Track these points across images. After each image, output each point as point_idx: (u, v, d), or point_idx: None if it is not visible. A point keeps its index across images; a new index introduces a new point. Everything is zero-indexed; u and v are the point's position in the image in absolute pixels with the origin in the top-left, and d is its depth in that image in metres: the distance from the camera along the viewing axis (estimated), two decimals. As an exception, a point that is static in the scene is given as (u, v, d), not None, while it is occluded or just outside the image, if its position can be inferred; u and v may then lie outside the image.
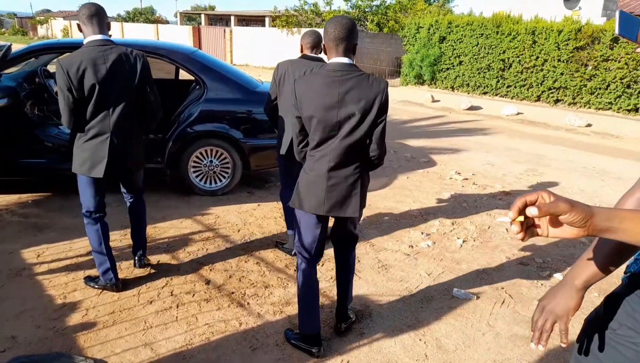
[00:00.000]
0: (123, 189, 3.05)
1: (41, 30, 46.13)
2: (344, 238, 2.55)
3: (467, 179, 5.66)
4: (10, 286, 2.94)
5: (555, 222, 0.88)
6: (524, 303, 3.04)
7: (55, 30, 42.44)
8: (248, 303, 2.88)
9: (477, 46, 13.37)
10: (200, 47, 23.94)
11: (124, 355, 2.37)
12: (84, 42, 2.59)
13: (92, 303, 2.79)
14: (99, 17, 2.58)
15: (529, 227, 0.90)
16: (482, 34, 13.21)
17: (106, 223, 2.85)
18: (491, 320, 2.83)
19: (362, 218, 4.24)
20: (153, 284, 3.04)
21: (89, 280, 2.96)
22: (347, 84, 2.06)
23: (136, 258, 3.19)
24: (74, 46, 4.88)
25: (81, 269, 3.17)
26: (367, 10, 21.24)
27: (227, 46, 23.57)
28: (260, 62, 22.43)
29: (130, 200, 3.07)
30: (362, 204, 2.29)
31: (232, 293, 2.98)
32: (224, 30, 23.96)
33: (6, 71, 4.73)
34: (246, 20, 32.58)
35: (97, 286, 2.91)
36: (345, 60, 2.09)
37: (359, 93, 2.06)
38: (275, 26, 22.31)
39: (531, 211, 0.83)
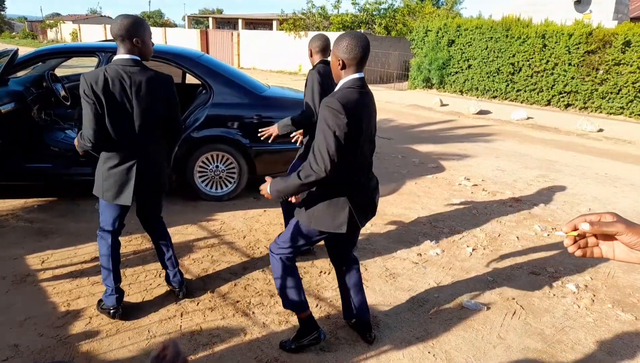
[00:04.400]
0: (140, 214, 2.87)
1: (51, 34, 46.62)
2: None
3: (476, 185, 5.58)
4: (15, 293, 2.91)
5: (620, 245, 0.88)
6: (536, 314, 2.96)
7: (64, 34, 42.85)
8: (253, 313, 2.82)
9: (486, 49, 13.27)
10: (207, 51, 24.04)
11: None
12: (113, 59, 2.44)
13: (96, 311, 2.75)
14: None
15: (589, 246, 0.91)
16: (492, 38, 13.11)
17: (119, 241, 2.72)
18: (502, 332, 2.76)
19: (370, 225, 4.19)
20: (156, 292, 3.00)
21: (99, 301, 2.82)
22: (372, 100, 2.24)
23: (177, 288, 2.94)
24: (80, 51, 4.89)
25: (85, 276, 3.14)
26: (375, 13, 21.21)
27: (235, 50, 23.65)
28: (267, 65, 22.47)
29: (153, 224, 2.89)
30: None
31: (237, 302, 2.93)
32: (232, 33, 24.03)
33: (13, 75, 4.74)
34: (254, 23, 32.69)
35: (100, 309, 2.76)
36: (362, 75, 2.17)
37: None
38: (282, 30, 22.35)
39: (582, 226, 0.87)
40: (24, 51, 4.55)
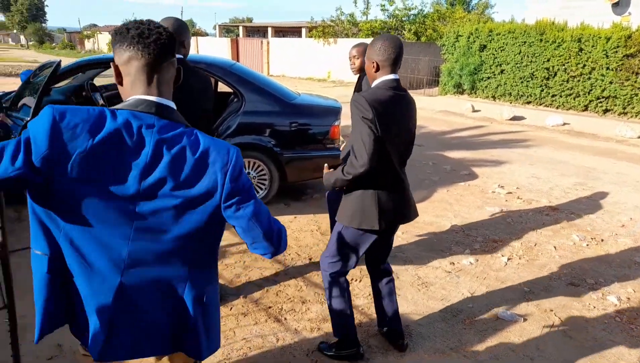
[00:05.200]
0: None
1: (88, 44, 48.46)
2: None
3: (510, 193, 5.45)
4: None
5: None
6: (576, 327, 2.86)
7: (101, 44, 44.48)
8: (285, 319, 2.84)
9: (519, 54, 13.00)
10: (238, 59, 24.47)
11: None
12: None
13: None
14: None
15: None
16: (525, 42, 12.84)
17: None
18: (540, 345, 2.68)
19: (401, 232, 4.15)
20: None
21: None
22: (408, 102, 2.26)
23: None
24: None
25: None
26: (404, 19, 21.10)
27: (264, 57, 23.97)
28: (296, 72, 22.67)
29: None
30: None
31: (269, 307, 2.95)
32: (261, 41, 24.39)
33: (56, 85, 4.95)
34: (283, 31, 33.07)
35: None
36: (396, 76, 2.19)
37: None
38: (311, 37, 22.51)
39: None
40: (66, 61, 4.73)
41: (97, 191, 1.10)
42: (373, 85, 2.20)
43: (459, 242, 4.05)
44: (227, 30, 40.51)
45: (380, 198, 2.20)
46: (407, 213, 2.35)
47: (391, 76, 2.16)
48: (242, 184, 1.21)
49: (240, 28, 34.94)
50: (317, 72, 21.74)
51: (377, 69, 2.16)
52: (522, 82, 13.14)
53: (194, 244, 1.23)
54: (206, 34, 47.30)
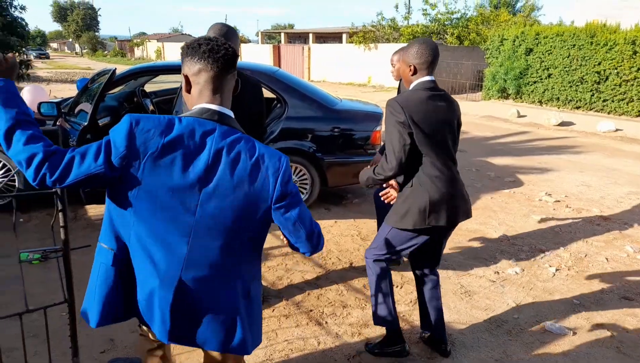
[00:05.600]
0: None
1: (137, 51, 50.47)
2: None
3: (559, 201, 5.26)
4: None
5: None
6: (630, 343, 2.72)
7: (149, 52, 46.23)
8: (326, 322, 2.86)
9: (568, 57, 12.54)
10: (279, 65, 24.84)
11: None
12: None
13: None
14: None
15: None
16: (574, 45, 12.37)
17: None
18: (591, 360, 2.57)
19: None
20: (235, 297, 3.12)
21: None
22: (447, 101, 2.31)
23: None
24: (167, 68, 5.24)
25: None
26: (447, 23, 20.78)
27: (305, 63, 24.23)
28: (336, 78, 22.76)
29: None
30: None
31: (311, 310, 2.98)
32: (303, 47, 24.67)
33: (109, 92, 5.19)
34: (324, 37, 33.32)
35: None
36: (432, 78, 2.26)
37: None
38: (352, 42, 22.55)
39: None
40: (118, 69, 4.97)
41: (162, 189, 1.24)
42: (410, 88, 2.26)
43: (504, 251, 3.94)
44: (269, 36, 41.23)
45: (430, 196, 2.20)
46: (457, 213, 2.30)
47: (427, 78, 2.23)
48: (290, 189, 1.34)
49: (282, 34, 35.49)
50: (358, 77, 21.75)
51: (414, 72, 2.24)
52: (570, 86, 12.66)
53: (244, 241, 1.35)
54: (249, 41, 48.31)
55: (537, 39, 13.30)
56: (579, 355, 2.61)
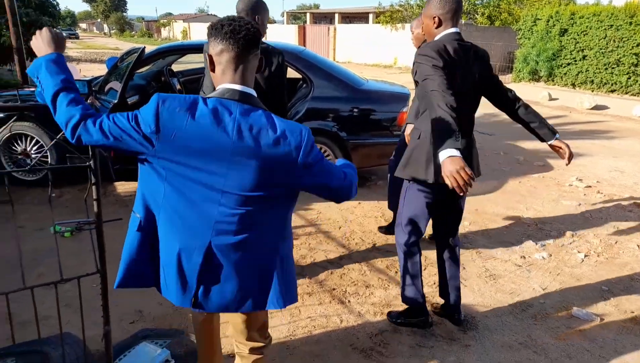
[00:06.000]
0: None
1: (164, 32, 50.82)
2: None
3: (590, 186, 5.11)
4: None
5: None
6: (661, 332, 2.66)
7: (176, 32, 46.51)
8: (349, 301, 2.88)
9: (604, 38, 12.02)
10: (305, 45, 24.65)
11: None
12: None
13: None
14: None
15: None
16: (612, 25, 11.84)
17: None
18: (619, 347, 2.52)
19: (469, 223, 4.04)
20: (259, 274, 3.17)
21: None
22: (475, 52, 2.29)
23: None
24: (194, 48, 5.27)
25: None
26: (477, 2, 20.17)
27: (331, 44, 23.98)
28: (362, 59, 22.48)
29: None
30: None
31: (333, 289, 3.01)
32: (328, 28, 24.39)
33: (138, 71, 5.26)
34: (350, 17, 32.82)
35: None
36: (458, 30, 2.21)
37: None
38: (379, 22, 22.15)
39: None
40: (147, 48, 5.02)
41: (192, 161, 1.30)
42: (436, 39, 2.19)
43: (531, 235, 3.87)
44: (295, 17, 40.88)
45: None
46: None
47: (453, 30, 2.16)
48: (313, 156, 1.38)
49: (308, 15, 35.12)
50: (384, 58, 21.42)
51: (439, 24, 2.17)
52: (606, 69, 12.17)
53: (272, 208, 1.41)
54: (274, 21, 48.01)
55: (572, 19, 12.78)
56: (606, 342, 2.56)
